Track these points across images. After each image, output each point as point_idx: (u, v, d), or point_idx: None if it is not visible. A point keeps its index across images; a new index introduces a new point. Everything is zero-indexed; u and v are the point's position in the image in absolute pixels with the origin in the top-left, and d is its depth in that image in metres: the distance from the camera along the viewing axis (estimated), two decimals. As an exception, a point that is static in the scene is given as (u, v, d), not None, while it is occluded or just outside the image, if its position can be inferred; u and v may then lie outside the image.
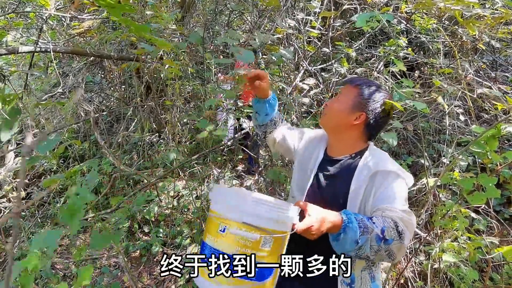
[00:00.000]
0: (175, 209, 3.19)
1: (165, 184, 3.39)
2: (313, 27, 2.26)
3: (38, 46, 2.09)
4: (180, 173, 3.39)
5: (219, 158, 3.57)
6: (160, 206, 3.20)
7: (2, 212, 2.73)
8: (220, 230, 0.97)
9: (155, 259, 2.80)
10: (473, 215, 1.95)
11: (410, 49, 2.49)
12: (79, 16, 1.95)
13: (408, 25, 2.80)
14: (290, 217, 0.95)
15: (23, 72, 2.09)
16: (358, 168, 1.19)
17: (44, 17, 2.08)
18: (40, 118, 3.66)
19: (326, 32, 2.12)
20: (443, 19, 2.45)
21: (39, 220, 3.09)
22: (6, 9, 2.81)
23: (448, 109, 2.07)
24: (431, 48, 2.90)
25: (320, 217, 0.97)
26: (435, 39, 2.87)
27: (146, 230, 3.05)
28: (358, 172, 1.17)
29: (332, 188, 1.24)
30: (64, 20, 2.79)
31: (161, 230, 3.01)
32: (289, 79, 2.42)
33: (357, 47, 2.60)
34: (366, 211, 1.13)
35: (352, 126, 1.24)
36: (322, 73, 2.43)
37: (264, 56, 2.13)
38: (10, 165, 2.43)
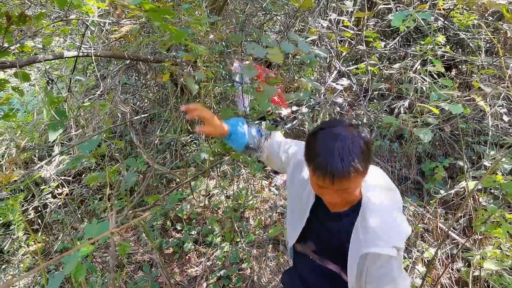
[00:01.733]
0: (206, 208, 3.25)
1: (197, 183, 3.47)
2: (346, 27, 2.23)
3: (81, 51, 2.20)
4: (211, 173, 3.46)
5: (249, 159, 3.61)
6: (192, 205, 3.28)
7: (48, 206, 2.92)
8: None
9: (187, 256, 2.87)
10: (518, 221, 1.85)
11: (448, 47, 2.39)
12: (119, 22, 2.05)
13: (445, 22, 2.70)
14: None
15: (68, 76, 2.23)
16: (352, 241, 1.09)
17: (87, 24, 2.21)
18: (80, 119, 3.87)
19: (359, 32, 2.09)
20: (486, 15, 2.34)
21: (79, 216, 3.27)
22: (52, 17, 2.99)
23: (490, 110, 1.98)
24: (471, 45, 2.78)
25: None
26: (475, 36, 2.74)
27: (179, 228, 3.13)
28: (351, 247, 1.09)
29: (330, 248, 1.18)
30: (103, 25, 2.93)
31: (193, 228, 3.09)
32: (321, 80, 2.40)
33: (392, 46, 2.54)
34: (362, 282, 1.09)
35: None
36: (355, 75, 2.39)
37: (297, 56, 2.14)
38: (55, 164, 2.60)
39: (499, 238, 2.08)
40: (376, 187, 1.11)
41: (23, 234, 2.98)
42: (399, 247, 1.04)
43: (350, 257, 1.08)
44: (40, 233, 3.04)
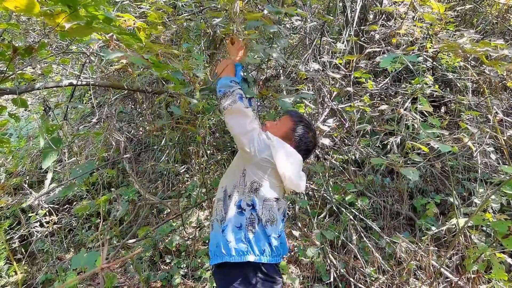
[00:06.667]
0: (196, 240, 3.19)
1: (188, 214, 3.42)
2: (338, 67, 2.33)
3: (80, 79, 2.24)
4: (203, 204, 3.42)
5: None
6: (182, 237, 3.21)
7: (34, 235, 2.83)
8: None
9: (175, 291, 2.78)
10: (510, 260, 1.84)
11: (437, 86, 2.49)
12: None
13: (434, 62, 2.82)
14: None
15: (65, 104, 2.26)
16: None
17: (88, 54, 2.27)
18: (73, 146, 3.85)
19: (350, 73, 2.18)
20: (469, 59, 2.46)
21: (65, 246, 3.17)
22: (53, 46, 3.07)
23: (478, 148, 2.03)
24: (458, 85, 2.89)
25: None
26: (462, 77, 2.86)
27: (168, 260, 3.05)
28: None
29: None
30: (103, 56, 3.00)
31: (182, 261, 3.00)
32: (312, 118, 2.46)
33: (383, 86, 2.63)
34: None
35: None
36: (347, 112, 2.46)
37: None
38: (45, 191, 2.57)
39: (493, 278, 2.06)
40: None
41: (5, 264, 2.87)
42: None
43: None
44: (23, 263, 2.93)
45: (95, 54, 2.58)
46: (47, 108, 1.70)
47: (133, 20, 1.63)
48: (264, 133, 1.45)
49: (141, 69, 2.55)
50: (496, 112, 2.07)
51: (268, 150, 1.39)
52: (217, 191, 1.53)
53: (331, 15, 3.23)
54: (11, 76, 1.83)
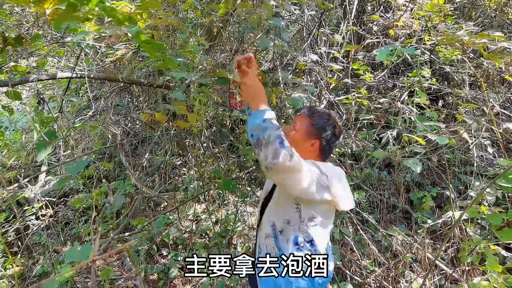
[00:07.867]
0: (193, 233, 3.19)
1: (185, 208, 3.42)
2: (335, 59, 2.31)
3: (74, 72, 2.22)
4: (200, 197, 3.42)
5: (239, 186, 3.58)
6: (179, 230, 3.21)
7: (31, 228, 2.83)
8: None
9: (172, 283, 2.79)
10: (504, 252, 1.86)
11: (434, 79, 2.48)
12: (114, 46, 2.08)
13: (432, 55, 2.81)
14: None
15: (60, 96, 2.23)
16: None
17: (83, 46, 2.25)
18: (70, 139, 3.83)
19: (348, 65, 2.16)
20: (467, 51, 2.45)
21: (62, 239, 3.17)
22: (48, 37, 3.03)
23: (474, 141, 2.03)
24: (456, 78, 2.88)
25: None
26: (459, 70, 2.86)
27: (165, 253, 3.05)
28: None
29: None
30: (98, 48, 2.97)
31: (179, 254, 3.01)
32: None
33: (380, 78, 2.62)
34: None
35: (308, 152, 1.35)
36: (345, 104, 2.45)
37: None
38: (41, 183, 2.55)
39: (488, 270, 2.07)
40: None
41: (1, 257, 2.86)
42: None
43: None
44: (19, 256, 2.93)
45: (91, 45, 2.55)
46: (42, 100, 1.69)
47: (129, 7, 1.60)
48: (313, 165, 1.25)
49: (137, 62, 2.52)
50: (493, 105, 2.06)
51: (327, 190, 1.21)
52: (263, 225, 1.38)
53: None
54: (5, 69, 1.81)
